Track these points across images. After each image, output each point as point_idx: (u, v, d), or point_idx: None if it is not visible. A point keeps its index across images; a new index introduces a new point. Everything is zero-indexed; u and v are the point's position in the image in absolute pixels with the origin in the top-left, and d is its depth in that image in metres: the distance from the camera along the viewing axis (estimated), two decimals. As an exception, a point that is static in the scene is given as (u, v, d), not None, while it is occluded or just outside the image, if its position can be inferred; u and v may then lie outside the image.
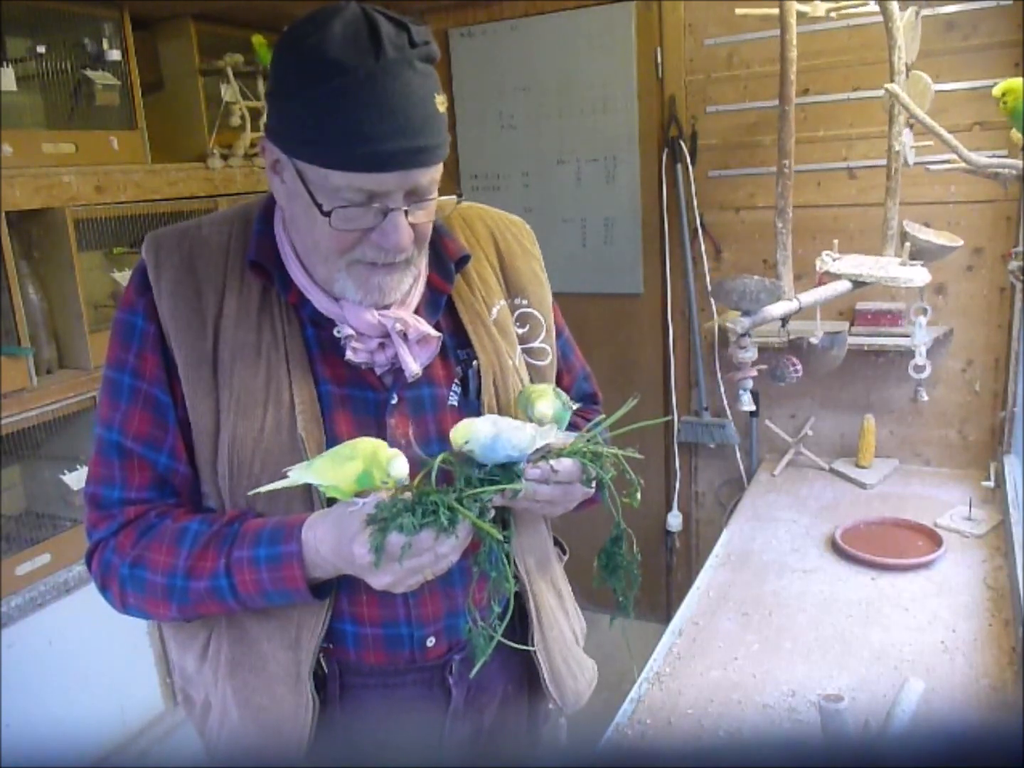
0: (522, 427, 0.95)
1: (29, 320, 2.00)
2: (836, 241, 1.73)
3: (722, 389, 2.68)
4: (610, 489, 1.00)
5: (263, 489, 0.94)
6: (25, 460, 2.14)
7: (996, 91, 1.54)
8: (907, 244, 1.70)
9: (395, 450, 0.92)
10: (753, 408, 1.64)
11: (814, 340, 1.71)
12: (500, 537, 0.93)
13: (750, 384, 1.61)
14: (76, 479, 2.04)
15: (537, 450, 0.98)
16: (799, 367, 1.68)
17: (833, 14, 1.83)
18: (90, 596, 2.06)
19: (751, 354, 1.57)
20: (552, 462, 0.96)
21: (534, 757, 1.26)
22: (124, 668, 2.16)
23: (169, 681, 2.26)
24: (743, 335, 1.55)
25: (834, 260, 1.69)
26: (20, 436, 2.00)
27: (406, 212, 0.94)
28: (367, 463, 0.90)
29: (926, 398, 1.86)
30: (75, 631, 2.03)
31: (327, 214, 0.92)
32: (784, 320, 1.63)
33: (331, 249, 0.96)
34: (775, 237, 1.62)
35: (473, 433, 0.93)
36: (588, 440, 1.01)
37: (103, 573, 1.04)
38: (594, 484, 1.00)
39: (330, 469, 0.92)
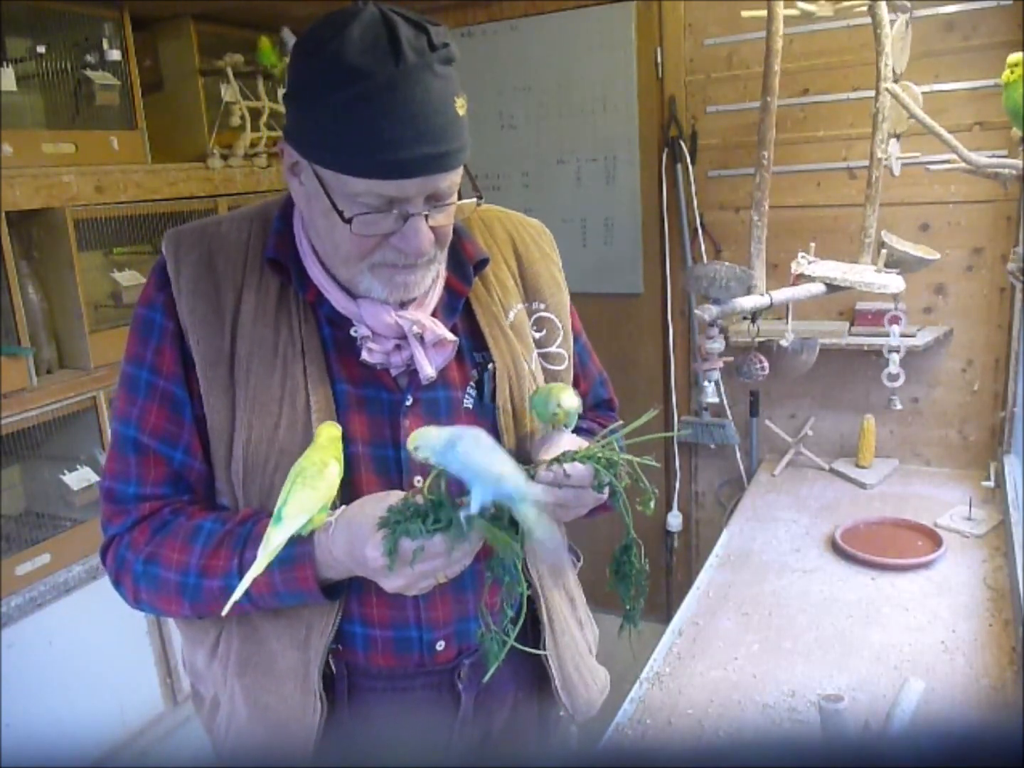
0: (490, 450, 0.90)
1: (29, 320, 2.00)
2: (813, 244, 1.72)
3: (722, 389, 2.67)
4: (623, 497, 0.99)
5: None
6: (25, 460, 2.14)
7: (1011, 59, 1.52)
8: (883, 252, 1.69)
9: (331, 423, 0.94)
10: (716, 400, 1.63)
11: (784, 343, 1.70)
12: (517, 548, 0.92)
13: (716, 375, 1.60)
14: (76, 479, 2.04)
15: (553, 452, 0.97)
16: (766, 365, 1.67)
17: (838, 12, 1.82)
18: (90, 596, 2.08)
19: (718, 345, 1.57)
20: (566, 466, 0.95)
21: (543, 764, 1.25)
22: (124, 668, 2.16)
23: (169, 681, 2.26)
24: (711, 324, 1.53)
25: (809, 263, 1.69)
26: (20, 436, 2.00)
27: (427, 216, 0.93)
28: (333, 448, 0.92)
29: (899, 407, 1.86)
30: (75, 631, 2.03)
31: (348, 221, 0.92)
32: (754, 316, 1.61)
33: (352, 253, 0.96)
34: (751, 230, 1.61)
35: (425, 439, 0.90)
36: (603, 446, 1.00)
37: (117, 568, 1.04)
38: (607, 490, 0.99)
39: (311, 495, 0.90)
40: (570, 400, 0.99)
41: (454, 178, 0.94)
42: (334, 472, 0.91)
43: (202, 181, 2.38)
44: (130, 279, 2.22)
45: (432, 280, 1.02)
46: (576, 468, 0.96)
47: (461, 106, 0.92)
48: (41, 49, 2.05)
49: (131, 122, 2.24)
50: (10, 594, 1.92)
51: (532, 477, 0.95)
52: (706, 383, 1.61)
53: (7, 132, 1.95)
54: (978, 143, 2.07)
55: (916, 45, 1.79)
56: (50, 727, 1.96)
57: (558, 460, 0.97)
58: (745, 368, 1.67)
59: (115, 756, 2.10)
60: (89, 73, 2.12)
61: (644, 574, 1.06)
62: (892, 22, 1.68)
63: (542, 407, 1.01)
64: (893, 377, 1.81)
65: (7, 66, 1.97)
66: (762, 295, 1.59)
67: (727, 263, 1.49)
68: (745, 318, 1.65)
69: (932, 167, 1.75)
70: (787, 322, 1.68)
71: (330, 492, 0.91)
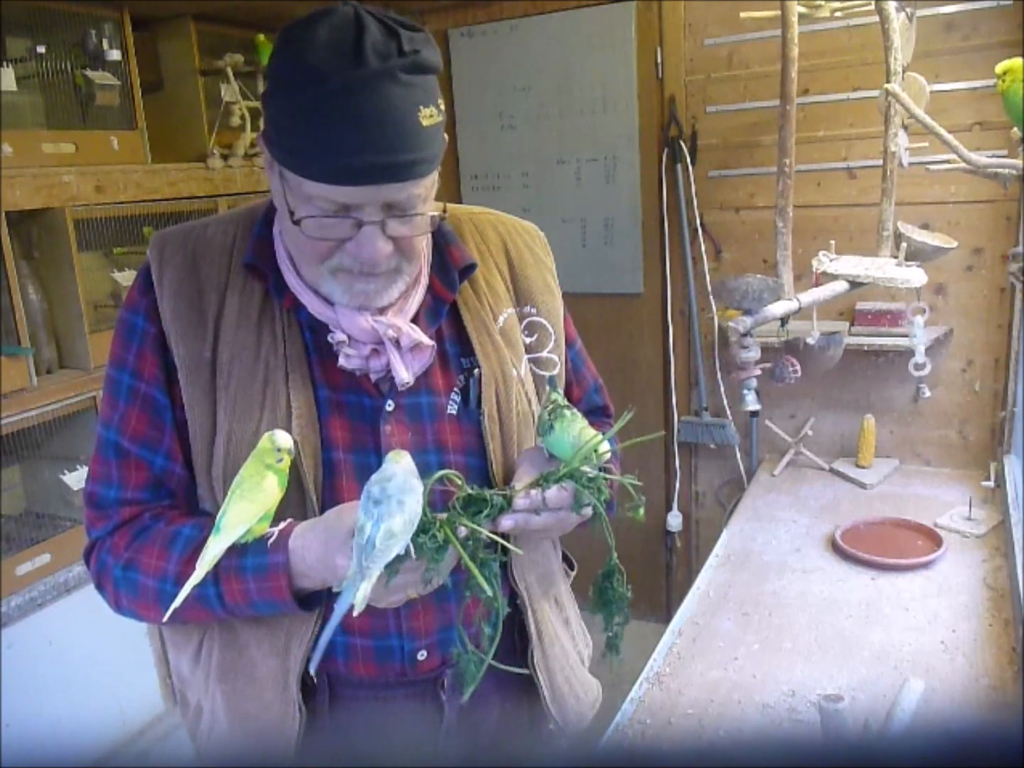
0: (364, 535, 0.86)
1: (29, 320, 2.00)
2: (833, 242, 1.73)
3: (722, 389, 2.67)
4: (604, 520, 0.97)
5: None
6: (25, 460, 2.14)
7: (999, 68, 1.53)
8: (903, 245, 1.70)
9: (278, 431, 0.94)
10: (758, 407, 1.64)
11: (811, 340, 1.71)
12: (495, 569, 0.91)
13: (754, 383, 1.61)
14: (76, 479, 2.04)
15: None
16: (798, 367, 1.69)
17: (839, 13, 1.83)
18: (90, 596, 2.05)
19: (754, 353, 1.58)
20: (547, 492, 0.93)
21: None
22: (124, 668, 2.15)
23: (169, 681, 2.25)
24: (745, 335, 1.55)
25: (831, 260, 1.70)
26: (20, 436, 1.99)
27: (383, 226, 0.92)
28: (268, 458, 0.92)
29: (928, 394, 1.86)
30: (75, 631, 2.03)
31: (296, 222, 0.92)
32: (784, 320, 1.63)
33: (311, 255, 0.96)
34: (775, 236, 1.63)
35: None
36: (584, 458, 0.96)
37: (99, 573, 1.04)
38: (590, 509, 0.96)
39: (248, 507, 0.91)
40: (602, 448, 0.94)
41: (414, 189, 0.91)
42: (271, 483, 0.92)
43: (202, 181, 2.38)
44: (130, 279, 2.20)
45: (400, 291, 1.00)
46: (555, 494, 0.94)
47: (428, 116, 0.89)
48: (41, 49, 2.05)
49: (131, 122, 2.24)
50: (10, 594, 1.92)
51: (510, 502, 0.92)
52: (745, 392, 1.62)
53: (7, 132, 1.95)
54: (978, 143, 2.07)
55: (916, 45, 1.79)
56: (50, 727, 1.96)
57: (537, 483, 0.94)
58: (778, 371, 1.69)
59: (115, 756, 2.10)
60: (89, 73, 2.12)
61: (626, 600, 1.05)
62: (897, 15, 1.69)
63: (562, 446, 0.96)
64: (920, 366, 1.81)
65: (7, 66, 1.97)
66: (791, 300, 1.60)
67: (759, 275, 1.51)
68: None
69: (932, 167, 1.75)
70: (813, 321, 1.69)
71: (267, 502, 0.92)
